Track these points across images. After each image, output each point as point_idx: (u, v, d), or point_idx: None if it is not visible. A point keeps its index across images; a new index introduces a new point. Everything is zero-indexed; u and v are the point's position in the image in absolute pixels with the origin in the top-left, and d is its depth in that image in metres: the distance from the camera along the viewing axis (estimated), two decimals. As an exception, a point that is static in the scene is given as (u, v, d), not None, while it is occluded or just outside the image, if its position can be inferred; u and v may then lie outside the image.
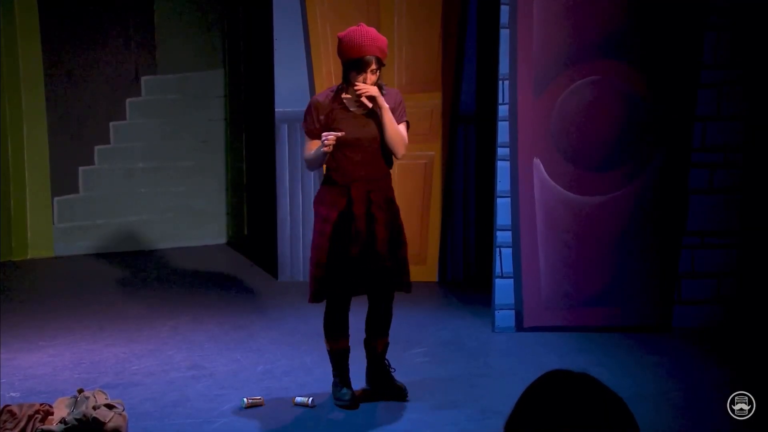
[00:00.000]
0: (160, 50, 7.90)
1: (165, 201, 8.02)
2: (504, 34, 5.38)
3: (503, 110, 5.41)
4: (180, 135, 8.04)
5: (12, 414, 3.87)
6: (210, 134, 8.16)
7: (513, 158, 5.43)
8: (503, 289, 5.48)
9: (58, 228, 7.69)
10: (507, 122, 5.42)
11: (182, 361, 4.98)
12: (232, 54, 8.16)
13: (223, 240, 8.30)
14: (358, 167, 4.18)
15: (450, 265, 6.87)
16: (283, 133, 6.79)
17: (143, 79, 7.86)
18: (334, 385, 4.30)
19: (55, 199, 7.69)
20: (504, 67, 5.40)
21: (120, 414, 3.98)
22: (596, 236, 5.46)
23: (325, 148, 4.03)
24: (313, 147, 4.17)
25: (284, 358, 5.05)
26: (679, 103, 5.43)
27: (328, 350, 4.36)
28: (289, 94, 6.71)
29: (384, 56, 4.17)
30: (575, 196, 5.44)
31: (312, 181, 6.82)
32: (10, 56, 7.42)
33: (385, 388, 4.34)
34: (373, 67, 4.12)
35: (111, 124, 7.79)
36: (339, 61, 6.71)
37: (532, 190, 5.43)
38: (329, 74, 6.73)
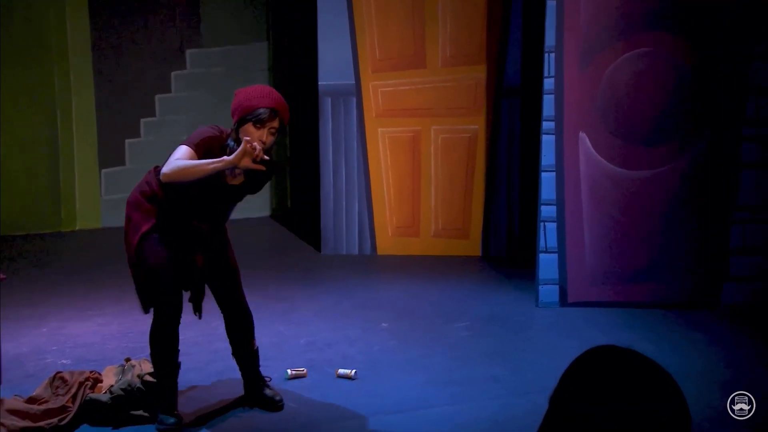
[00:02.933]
0: (205, 23, 7.92)
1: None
2: (551, 6, 5.29)
3: (549, 83, 5.34)
4: (224, 107, 8.05)
5: (64, 380, 3.96)
6: (254, 107, 8.19)
7: (558, 132, 5.36)
8: (547, 263, 5.43)
9: (105, 200, 7.80)
10: (552, 96, 5.34)
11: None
12: (276, 27, 8.15)
13: (266, 213, 8.34)
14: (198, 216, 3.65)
15: (493, 239, 6.83)
16: (326, 106, 6.78)
17: (188, 52, 7.90)
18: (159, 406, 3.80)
19: (103, 171, 7.79)
20: (550, 39, 5.32)
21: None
22: (643, 211, 5.39)
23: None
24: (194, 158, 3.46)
25: (327, 330, 5.07)
26: (730, 76, 5.31)
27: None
28: (333, 68, 6.69)
29: (287, 122, 3.63)
30: (622, 170, 5.36)
31: (355, 155, 6.81)
32: (59, 31, 7.50)
33: (256, 399, 3.96)
34: (275, 125, 3.53)
35: (156, 96, 7.85)
36: (383, 34, 6.72)
37: (577, 165, 5.37)
38: (372, 47, 6.70)
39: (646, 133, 5.34)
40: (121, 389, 3.79)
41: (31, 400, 3.87)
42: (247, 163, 3.38)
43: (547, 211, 5.41)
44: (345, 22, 6.66)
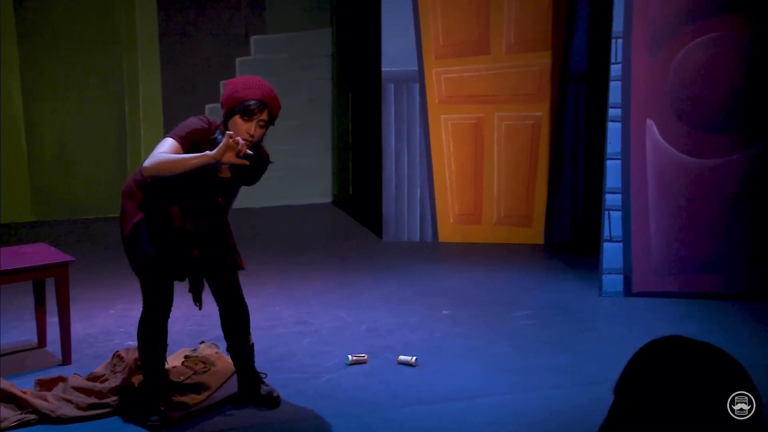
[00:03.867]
0: (269, 10, 7.98)
1: (272, 159, 8.14)
2: (619, -10, 5.19)
3: (616, 69, 5.24)
4: (288, 94, 8.12)
5: (120, 358, 4.06)
6: (317, 93, 8.23)
7: (625, 119, 5.27)
8: (611, 253, 5.36)
9: (170, 184, 7.92)
10: (619, 82, 5.25)
11: (289, 317, 5.08)
12: (340, 13, 8.16)
13: (328, 199, 8.39)
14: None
15: (556, 227, 6.76)
16: (389, 92, 6.77)
17: (253, 38, 7.97)
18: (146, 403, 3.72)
19: (168, 156, 7.91)
20: (618, 25, 5.22)
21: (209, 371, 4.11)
22: (711, 201, 5.27)
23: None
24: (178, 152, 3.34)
25: (388, 316, 5.08)
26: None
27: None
28: (397, 54, 6.68)
29: (276, 116, 3.49)
30: (690, 158, 5.25)
31: (417, 141, 6.80)
32: (128, 18, 7.62)
33: (251, 397, 3.84)
34: (264, 117, 3.42)
35: (221, 82, 7.94)
36: (447, 20, 6.68)
37: (644, 152, 5.27)
38: (436, 33, 6.66)
39: (716, 121, 5.22)
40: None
41: (93, 378, 3.96)
42: (230, 158, 3.24)
43: (612, 199, 5.33)
44: (409, 8, 6.64)
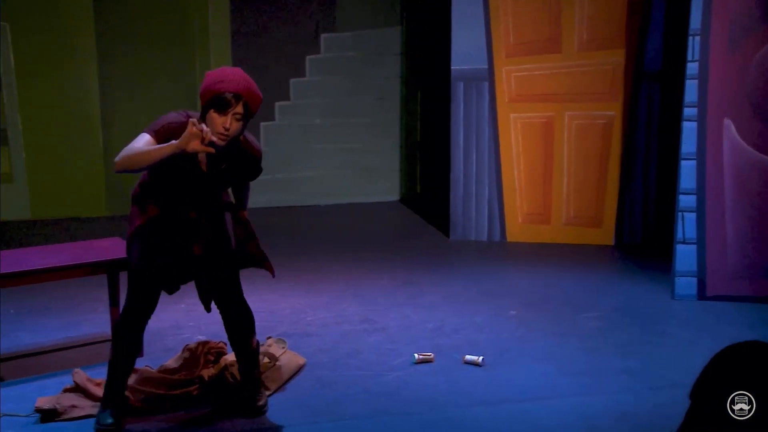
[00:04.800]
0: (339, 8, 8.01)
1: (340, 157, 8.18)
2: (697, -13, 5.07)
3: (692, 68, 5.11)
4: (357, 92, 8.15)
5: (190, 351, 4.12)
6: (386, 92, 8.23)
7: (701, 118, 5.13)
8: (685, 255, 5.23)
9: (240, 181, 8.02)
10: (696, 80, 5.12)
11: (355, 314, 5.08)
12: (409, 11, 8.15)
13: (395, 197, 8.38)
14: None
15: (627, 228, 6.64)
16: (458, 90, 6.74)
17: (323, 36, 8.01)
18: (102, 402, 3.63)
19: (238, 153, 8.01)
20: (696, 21, 5.09)
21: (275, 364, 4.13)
22: (790, 203, 5.10)
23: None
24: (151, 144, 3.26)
25: (455, 315, 5.05)
26: None
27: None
28: (466, 52, 6.64)
29: (254, 109, 3.35)
30: (769, 159, 5.09)
31: (486, 140, 6.75)
32: (201, 16, 7.74)
33: (248, 404, 3.73)
34: (239, 110, 3.27)
35: (291, 81, 8.00)
36: (518, 18, 6.61)
37: (720, 153, 5.13)
38: (507, 31, 6.61)
39: (797, 121, 5.05)
40: (210, 376, 3.87)
41: (163, 370, 4.02)
42: (195, 146, 3.12)
43: (686, 200, 5.21)
44: (479, 6, 6.59)
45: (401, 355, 4.40)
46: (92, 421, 3.63)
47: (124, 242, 4.58)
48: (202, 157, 3.37)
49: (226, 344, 4.25)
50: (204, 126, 3.16)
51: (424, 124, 8.22)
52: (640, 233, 6.63)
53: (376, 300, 5.36)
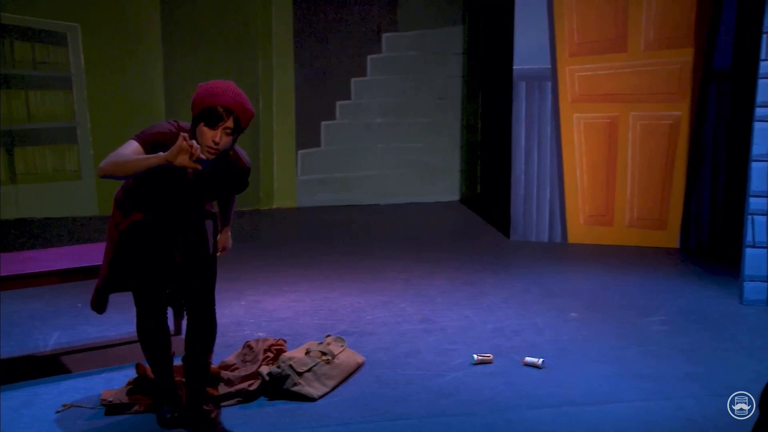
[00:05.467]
0: (401, 7, 8.01)
1: (401, 156, 8.18)
2: (769, -17, 4.93)
3: (765, 67, 4.97)
4: (417, 91, 8.14)
5: (250, 348, 4.16)
6: (447, 91, 8.20)
7: (772, 119, 5.00)
8: (755, 259, 5.10)
9: (301, 180, 8.07)
10: (768, 80, 4.99)
11: (414, 314, 5.07)
12: (472, 11, 8.11)
13: (455, 197, 8.35)
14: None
15: (693, 231, 6.51)
16: (520, 90, 6.68)
17: (384, 35, 8.02)
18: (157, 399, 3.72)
19: (299, 152, 8.05)
20: (769, 19, 4.96)
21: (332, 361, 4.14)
22: None
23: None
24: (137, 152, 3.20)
25: (515, 317, 5.00)
26: None
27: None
28: (529, 51, 6.58)
29: (245, 124, 3.27)
30: (843, 161, 4.93)
31: (548, 140, 6.68)
32: (264, 17, 7.82)
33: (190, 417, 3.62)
34: (229, 125, 3.22)
35: (352, 80, 8.03)
36: (583, 17, 6.52)
37: (792, 154, 4.99)
38: (571, 31, 6.53)
39: None
40: (269, 372, 3.88)
41: (224, 366, 4.06)
42: (183, 160, 3.06)
43: (756, 203, 5.07)
44: (543, 5, 6.52)
45: (460, 356, 4.37)
46: (154, 415, 3.68)
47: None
48: (190, 168, 3.28)
49: (285, 341, 4.28)
50: (194, 142, 3.09)
51: (485, 123, 8.17)
52: (707, 236, 6.49)
53: (435, 300, 5.34)
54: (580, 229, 6.74)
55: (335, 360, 4.06)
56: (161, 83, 7.65)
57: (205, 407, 3.64)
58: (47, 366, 4.23)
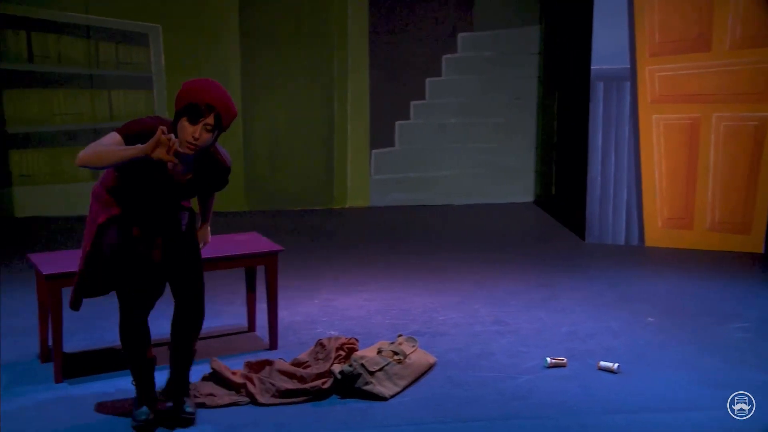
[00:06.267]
0: (477, 7, 7.96)
1: (475, 157, 8.13)
2: None
3: None
4: (493, 92, 8.08)
5: (322, 346, 4.18)
6: (522, 91, 8.13)
7: None
8: (841, 266, 4.92)
9: (374, 179, 8.09)
10: None
11: (487, 315, 5.04)
12: (549, 10, 8.02)
13: (530, 198, 8.27)
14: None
15: (778, 236, 6.32)
16: (598, 91, 6.57)
17: (460, 36, 7.98)
18: (135, 400, 3.68)
19: (373, 152, 8.07)
20: None
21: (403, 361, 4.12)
22: None
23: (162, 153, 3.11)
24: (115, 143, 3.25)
25: (589, 320, 4.92)
26: None
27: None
28: (607, 51, 6.47)
29: (226, 122, 3.33)
30: None
31: (626, 141, 6.56)
32: (340, 16, 7.86)
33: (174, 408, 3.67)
34: (210, 122, 3.27)
35: (427, 80, 8.01)
36: (665, 15, 6.38)
37: None
38: (652, 30, 6.40)
39: None
40: (341, 371, 3.88)
41: (297, 364, 4.10)
42: (160, 153, 3.11)
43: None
44: (624, 4, 6.41)
45: (533, 359, 4.33)
46: (224, 410, 3.74)
47: (262, 237, 4.70)
48: (173, 164, 3.34)
49: (357, 340, 4.30)
50: (172, 136, 3.14)
51: (561, 124, 8.06)
52: (793, 242, 6.29)
53: (509, 302, 5.29)
54: (658, 232, 6.60)
55: (407, 360, 4.06)
56: (238, 83, 7.75)
57: (185, 398, 3.65)
58: (117, 360, 4.32)
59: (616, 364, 4.17)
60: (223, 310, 5.07)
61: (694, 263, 6.12)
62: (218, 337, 4.65)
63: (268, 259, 4.46)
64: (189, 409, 3.63)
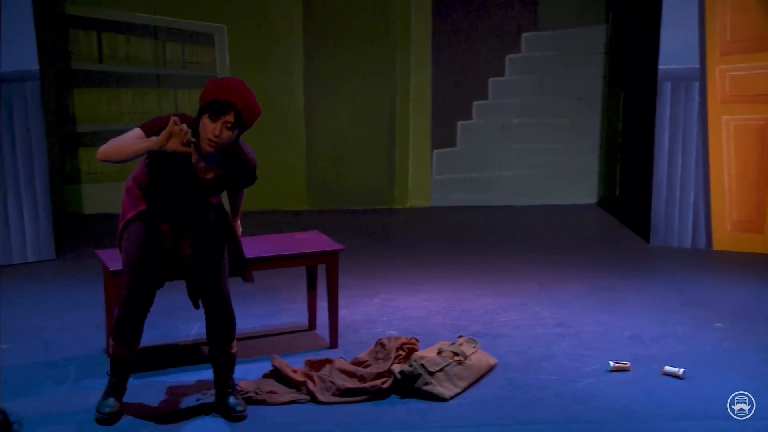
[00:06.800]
0: (542, 6, 7.88)
1: (538, 157, 8.05)
2: None
3: None
4: (556, 92, 7.99)
5: (383, 346, 4.19)
6: (587, 91, 8.02)
7: None
8: None
9: (435, 180, 8.06)
10: None
11: (548, 317, 4.98)
12: (616, 9, 7.90)
13: (593, 200, 8.15)
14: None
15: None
16: (665, 91, 6.45)
17: (524, 35, 7.91)
18: (104, 391, 3.69)
19: (435, 152, 8.05)
20: None
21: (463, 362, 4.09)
22: None
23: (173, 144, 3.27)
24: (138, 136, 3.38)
25: (654, 324, 4.84)
26: None
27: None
28: (676, 51, 6.35)
29: (248, 120, 3.39)
30: None
31: (694, 142, 6.43)
32: (403, 15, 7.86)
33: (217, 405, 3.73)
34: (230, 119, 3.33)
35: (490, 80, 7.96)
36: (737, 13, 6.22)
37: None
38: (723, 28, 6.26)
39: None
40: (401, 371, 3.87)
41: (356, 363, 4.11)
42: (173, 144, 3.25)
43: None
44: (694, 3, 6.28)
45: (596, 362, 4.27)
46: (284, 408, 3.76)
47: (323, 236, 4.73)
48: (197, 161, 3.42)
49: (417, 340, 4.29)
50: (185, 126, 3.21)
51: (626, 125, 7.94)
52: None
53: (571, 304, 5.22)
54: (726, 235, 6.45)
55: (467, 361, 4.04)
56: (301, 82, 7.81)
57: (233, 398, 3.67)
58: (189, 355, 4.39)
59: (682, 370, 4.09)
60: (285, 308, 5.11)
61: (764, 268, 5.97)
62: (279, 335, 4.70)
63: (329, 258, 4.48)
64: (239, 408, 3.66)
